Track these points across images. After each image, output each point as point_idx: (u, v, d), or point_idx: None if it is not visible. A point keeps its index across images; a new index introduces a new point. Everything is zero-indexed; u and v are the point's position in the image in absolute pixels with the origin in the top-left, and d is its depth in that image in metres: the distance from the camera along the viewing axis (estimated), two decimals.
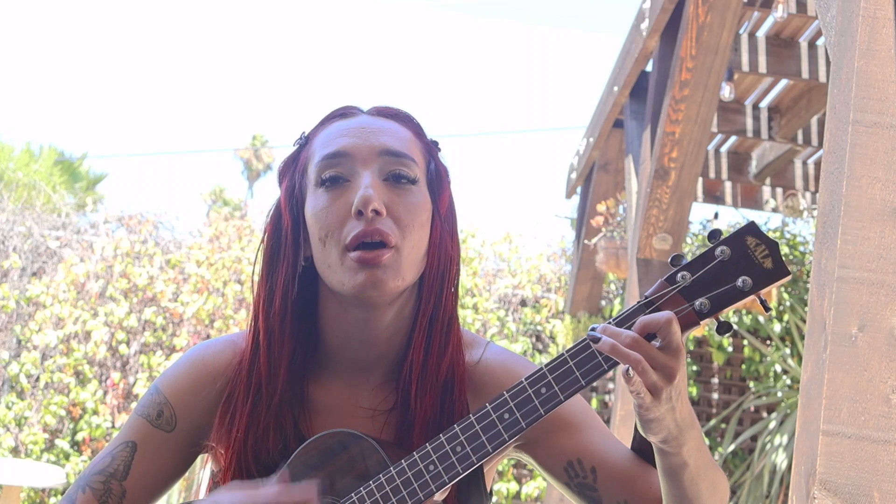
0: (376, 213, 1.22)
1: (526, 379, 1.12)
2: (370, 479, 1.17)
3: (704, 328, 5.23)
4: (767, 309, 1.09)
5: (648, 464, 1.26)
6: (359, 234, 1.22)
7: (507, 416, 1.12)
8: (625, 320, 1.09)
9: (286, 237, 1.29)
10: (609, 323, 1.09)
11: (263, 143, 24.11)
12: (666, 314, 1.06)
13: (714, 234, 1.10)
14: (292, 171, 1.33)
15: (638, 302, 1.10)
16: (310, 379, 1.31)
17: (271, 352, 1.28)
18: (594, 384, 6.50)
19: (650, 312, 1.09)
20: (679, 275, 1.10)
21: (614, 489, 1.25)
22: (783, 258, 1.10)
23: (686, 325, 1.08)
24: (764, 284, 1.08)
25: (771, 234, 6.53)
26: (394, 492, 1.15)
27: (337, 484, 1.19)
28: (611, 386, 6.61)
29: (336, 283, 1.25)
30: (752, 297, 1.09)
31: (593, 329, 1.08)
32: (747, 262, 1.09)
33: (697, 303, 1.08)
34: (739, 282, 1.08)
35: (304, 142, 1.33)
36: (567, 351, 1.11)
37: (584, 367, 1.10)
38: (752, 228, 1.10)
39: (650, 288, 1.12)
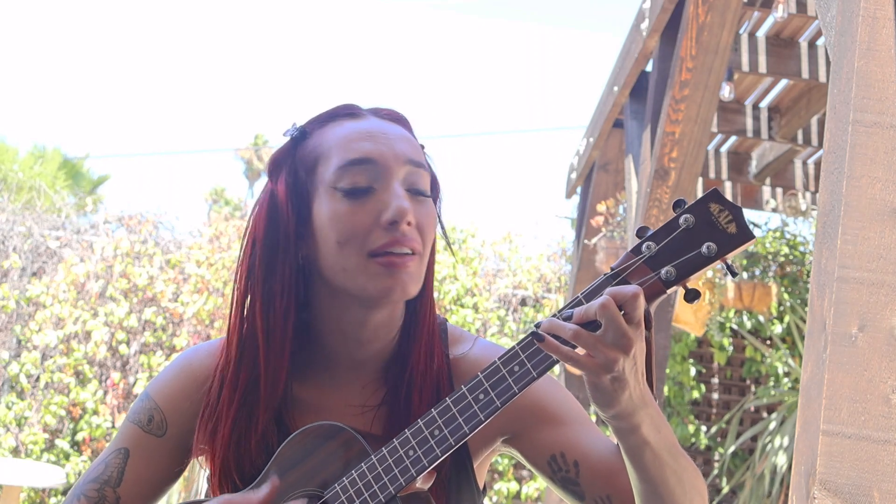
0: (408, 224, 1.23)
1: (499, 359, 1.12)
2: (353, 469, 1.18)
3: (705, 327, 5.13)
4: (734, 274, 1.09)
5: None
6: (390, 243, 1.22)
7: (482, 396, 1.12)
8: (592, 293, 1.10)
9: (286, 235, 1.26)
10: (579, 296, 1.10)
11: (264, 143, 24.11)
12: (632, 288, 1.05)
13: (678, 204, 1.10)
14: (291, 165, 1.28)
15: (605, 274, 1.11)
16: (294, 378, 1.31)
17: (271, 353, 1.26)
18: None
19: (616, 284, 1.09)
20: (644, 245, 1.10)
21: (597, 483, 1.24)
22: (748, 224, 1.10)
23: (652, 295, 1.08)
24: (729, 249, 1.08)
25: (771, 235, 6.54)
26: (376, 479, 1.16)
27: (321, 475, 1.20)
28: None
29: (353, 287, 1.23)
30: (718, 261, 1.09)
31: (538, 325, 1.08)
32: (711, 229, 1.09)
33: (663, 272, 1.08)
34: (704, 248, 1.08)
35: (299, 134, 1.29)
36: (537, 327, 1.11)
37: None
38: (714, 195, 1.10)
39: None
